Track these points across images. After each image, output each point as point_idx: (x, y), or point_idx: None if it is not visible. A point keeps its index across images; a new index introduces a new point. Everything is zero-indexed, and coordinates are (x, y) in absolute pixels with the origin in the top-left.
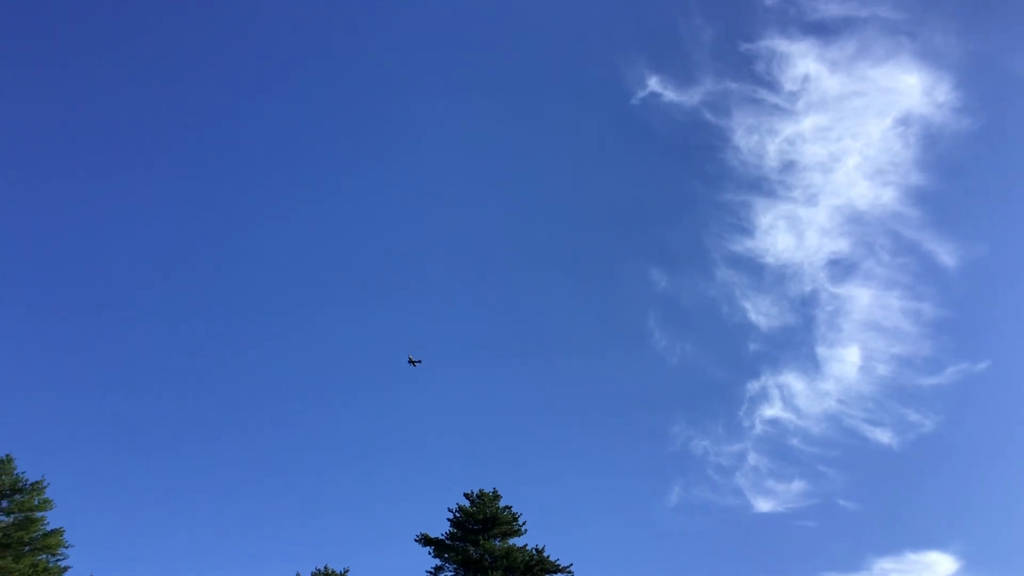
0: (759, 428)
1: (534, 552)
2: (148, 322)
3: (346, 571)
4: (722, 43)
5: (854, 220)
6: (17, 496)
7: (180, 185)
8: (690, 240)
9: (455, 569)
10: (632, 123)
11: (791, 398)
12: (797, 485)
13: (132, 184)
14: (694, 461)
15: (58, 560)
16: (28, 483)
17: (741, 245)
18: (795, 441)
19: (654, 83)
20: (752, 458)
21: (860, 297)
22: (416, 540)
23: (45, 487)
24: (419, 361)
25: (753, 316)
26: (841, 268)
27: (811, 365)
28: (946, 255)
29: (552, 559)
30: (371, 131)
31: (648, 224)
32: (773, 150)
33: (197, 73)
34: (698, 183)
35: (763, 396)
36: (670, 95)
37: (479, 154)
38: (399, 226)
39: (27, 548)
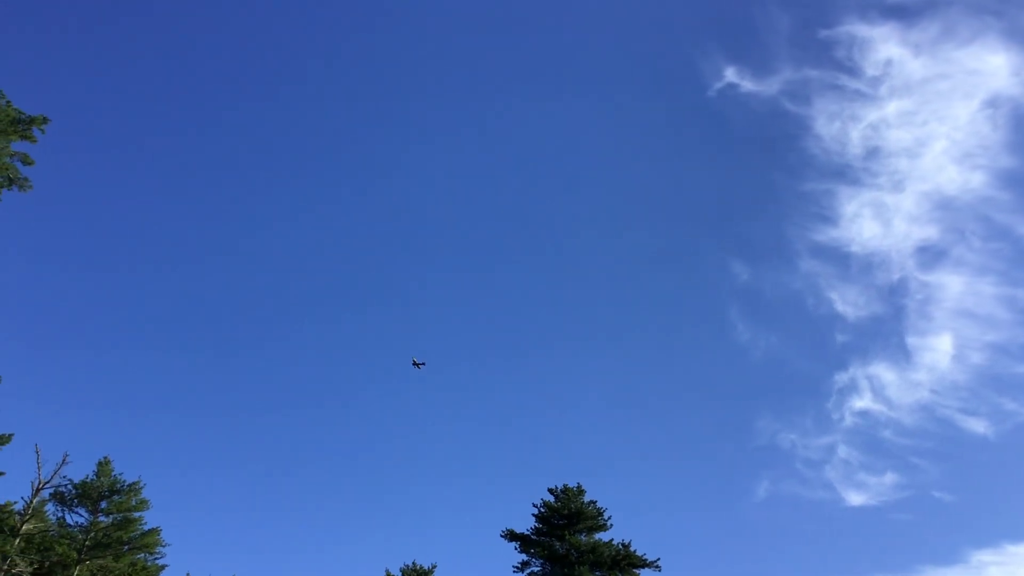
0: (849, 420)
1: (620, 546)
2: (243, 327)
3: (434, 567)
4: (800, 30)
5: (943, 206)
6: (115, 497)
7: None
8: (772, 231)
9: (542, 564)
10: (710, 115)
11: (881, 389)
12: (890, 478)
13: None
14: (782, 455)
15: (155, 559)
16: (125, 484)
17: (825, 235)
18: (887, 433)
19: (731, 74)
20: (842, 451)
21: (951, 284)
22: (502, 536)
23: (142, 488)
24: (423, 364)
25: (840, 307)
26: (930, 255)
27: (902, 355)
28: None
29: (639, 553)
30: (457, 130)
31: (728, 216)
32: (856, 137)
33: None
34: (779, 173)
35: (852, 388)
36: (748, 85)
37: (559, 152)
38: (487, 223)
39: (126, 547)
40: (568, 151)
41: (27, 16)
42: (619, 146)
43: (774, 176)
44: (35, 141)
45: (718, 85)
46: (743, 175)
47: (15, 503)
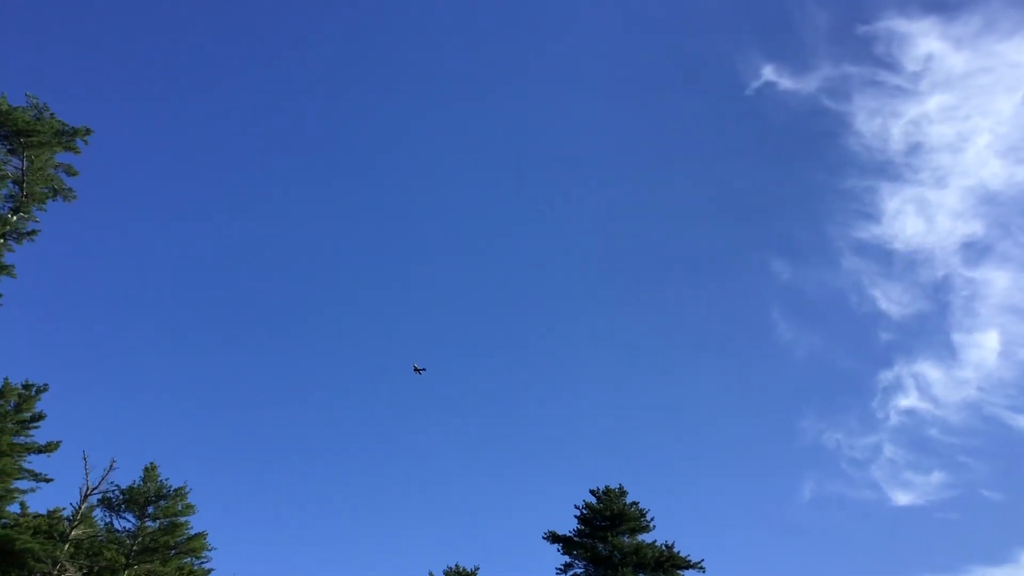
0: (894, 419)
1: (664, 548)
2: (278, 326)
3: (476, 569)
4: (838, 27)
5: (987, 201)
6: (162, 502)
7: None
8: (813, 230)
9: (584, 566)
10: (748, 114)
11: (927, 387)
12: (937, 476)
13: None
14: (827, 455)
15: (202, 563)
16: (171, 489)
17: (867, 232)
18: (933, 431)
19: (769, 72)
20: (888, 450)
21: (997, 280)
22: (544, 537)
23: (187, 492)
24: (424, 369)
25: (883, 304)
26: (975, 251)
27: (947, 353)
28: None
29: (683, 554)
30: (489, 132)
31: (768, 216)
32: (897, 133)
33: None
34: (819, 171)
35: (897, 386)
36: (786, 83)
37: (596, 152)
38: (515, 227)
39: (173, 552)
40: (605, 152)
41: (67, 26)
42: (657, 147)
43: (814, 174)
44: (79, 152)
45: (756, 84)
46: (783, 174)
47: (64, 509)
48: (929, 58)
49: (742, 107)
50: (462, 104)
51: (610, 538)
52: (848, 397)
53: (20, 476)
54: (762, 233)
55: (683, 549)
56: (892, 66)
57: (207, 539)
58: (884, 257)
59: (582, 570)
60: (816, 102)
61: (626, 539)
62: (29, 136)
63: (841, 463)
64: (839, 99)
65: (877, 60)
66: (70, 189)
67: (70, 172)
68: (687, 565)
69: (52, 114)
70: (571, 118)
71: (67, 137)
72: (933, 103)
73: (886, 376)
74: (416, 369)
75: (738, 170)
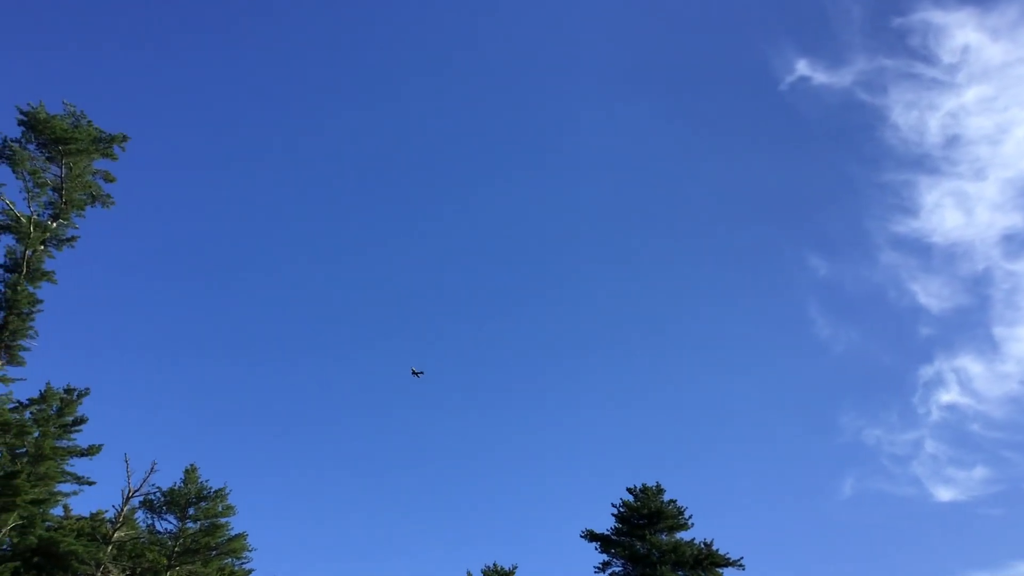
0: (936, 415)
1: (702, 546)
2: (313, 331)
3: (514, 568)
4: (873, 20)
5: None
6: (203, 503)
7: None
8: (850, 224)
9: (623, 564)
10: (782, 109)
11: (968, 382)
12: (980, 472)
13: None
14: (867, 451)
15: (242, 563)
16: (212, 490)
17: (905, 226)
18: (975, 426)
19: (803, 66)
20: (929, 446)
21: None
22: (582, 536)
23: (227, 493)
24: (421, 372)
25: (923, 299)
26: (1016, 243)
27: (989, 347)
28: None
29: (721, 553)
30: (523, 131)
31: (804, 211)
32: (935, 125)
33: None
34: (855, 165)
35: (938, 381)
36: (820, 77)
37: (631, 151)
38: (551, 225)
39: (214, 553)
40: (640, 150)
41: (101, 35)
42: (691, 144)
43: (850, 168)
44: (116, 159)
45: (790, 79)
46: (818, 168)
47: (106, 511)
48: (966, 49)
49: (776, 102)
50: (494, 104)
51: (648, 536)
52: (888, 393)
53: (63, 479)
54: (798, 229)
55: (722, 547)
56: (928, 58)
57: (247, 540)
58: (923, 251)
59: (620, 568)
60: (851, 96)
61: (664, 537)
62: (67, 144)
63: (882, 459)
64: (875, 93)
65: (913, 53)
66: (108, 195)
67: (108, 178)
68: (726, 563)
69: (89, 121)
70: (605, 115)
71: (104, 144)
72: (971, 95)
73: (926, 371)
74: (414, 372)
75: (773, 165)
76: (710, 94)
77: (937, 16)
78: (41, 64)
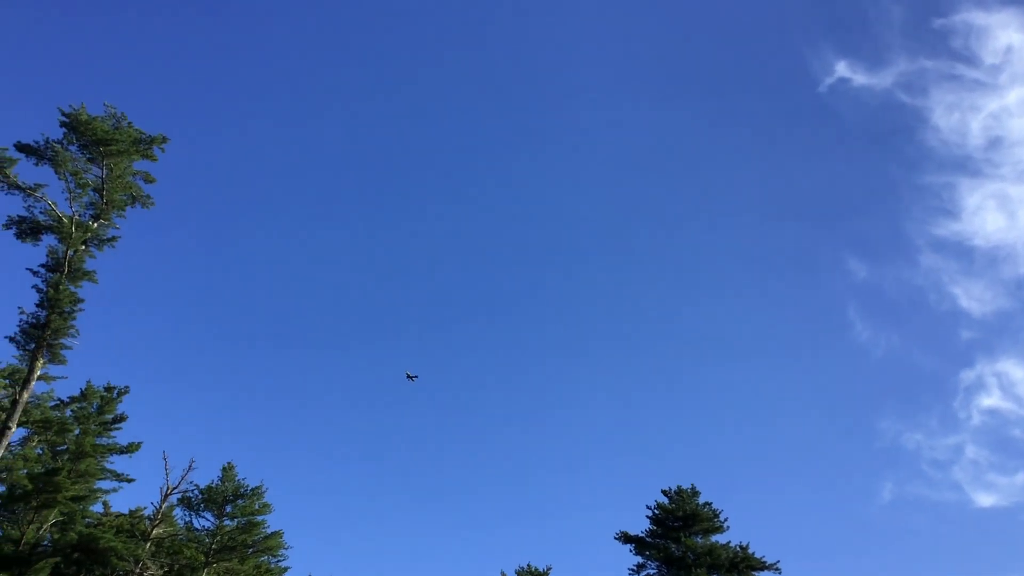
0: (977, 419)
1: (738, 549)
2: (350, 329)
3: (548, 569)
4: (913, 21)
5: None
6: (240, 501)
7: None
8: (890, 227)
9: (657, 567)
10: (821, 111)
11: (1011, 386)
12: (1022, 478)
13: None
14: (906, 456)
15: (278, 561)
16: (248, 488)
17: (947, 229)
18: (1018, 431)
19: (842, 68)
20: (970, 451)
21: None
22: (616, 538)
23: (264, 492)
24: (416, 376)
25: (964, 302)
26: None
27: None
28: None
29: (758, 556)
30: (565, 132)
31: (844, 213)
32: (976, 127)
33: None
34: (895, 167)
35: (979, 385)
36: (860, 79)
37: (671, 154)
38: (594, 224)
39: (250, 550)
40: (679, 152)
41: (139, 39)
42: (730, 146)
43: (891, 170)
44: (155, 160)
45: (829, 80)
46: (858, 170)
47: (145, 508)
48: (1008, 50)
49: (815, 104)
50: (532, 104)
51: (683, 539)
52: (928, 397)
53: (103, 476)
54: (837, 231)
55: (758, 550)
56: (970, 59)
57: (283, 538)
58: (964, 254)
59: (655, 571)
60: (891, 98)
61: (699, 540)
62: (108, 145)
63: (921, 464)
64: (915, 94)
65: (954, 54)
66: (148, 196)
67: (148, 179)
68: (762, 567)
69: (130, 123)
70: (644, 119)
71: (144, 145)
72: (1013, 96)
73: (968, 375)
74: (409, 376)
75: (812, 167)
76: (749, 96)
77: (979, 17)
78: (80, 65)
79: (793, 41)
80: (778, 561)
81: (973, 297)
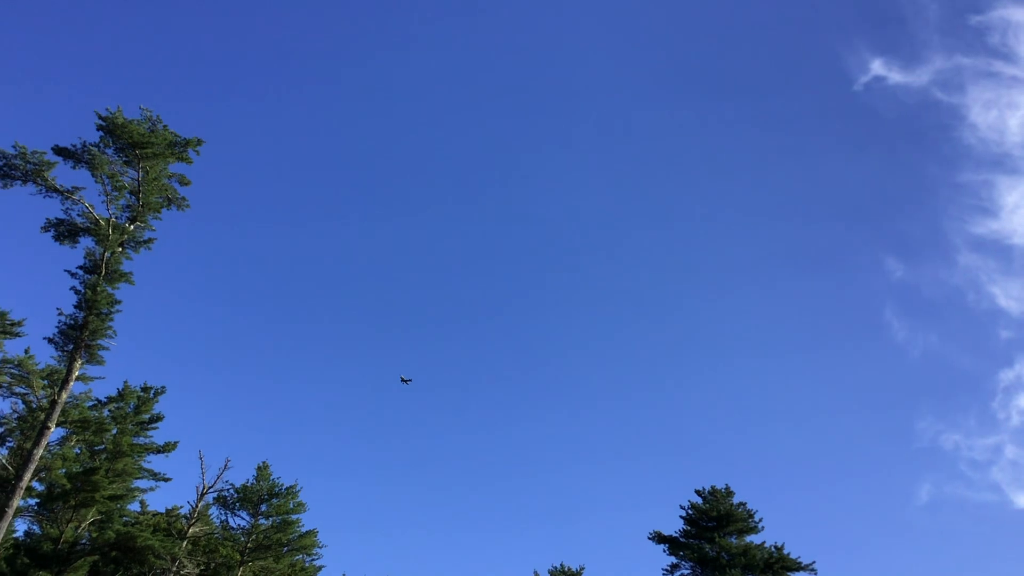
0: (1016, 419)
1: (773, 549)
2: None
3: (582, 568)
4: (950, 18)
5: None
6: (274, 500)
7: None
8: (927, 226)
9: (691, 567)
10: (857, 109)
11: None
12: None
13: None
14: (944, 457)
15: (313, 560)
16: (283, 487)
17: (985, 227)
18: None
19: (878, 66)
20: (1010, 451)
21: None
22: (649, 538)
23: (299, 491)
24: (409, 380)
25: (1003, 301)
26: None
27: None
28: None
29: (793, 556)
30: (603, 131)
31: (880, 212)
32: (1015, 124)
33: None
34: (932, 165)
35: (1019, 385)
36: (896, 77)
37: (706, 153)
38: (634, 229)
39: (285, 549)
40: (714, 152)
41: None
42: (765, 146)
43: (927, 168)
44: (191, 162)
45: (864, 79)
46: (894, 169)
47: (182, 507)
48: None
49: (851, 102)
50: (585, 114)
51: (717, 539)
52: (967, 397)
53: (140, 475)
54: (874, 230)
55: (793, 551)
56: (1008, 56)
57: (317, 536)
58: (1003, 253)
59: (689, 571)
60: (928, 95)
61: (734, 540)
62: (144, 148)
63: (960, 464)
64: (952, 91)
65: (992, 51)
66: (183, 198)
67: (183, 182)
68: (798, 567)
69: (165, 126)
70: (679, 119)
71: (180, 148)
72: None
73: (1007, 375)
74: (403, 380)
75: (848, 166)
76: (785, 95)
77: (1016, 13)
78: (116, 68)
79: (828, 40)
80: (814, 562)
81: (1012, 296)
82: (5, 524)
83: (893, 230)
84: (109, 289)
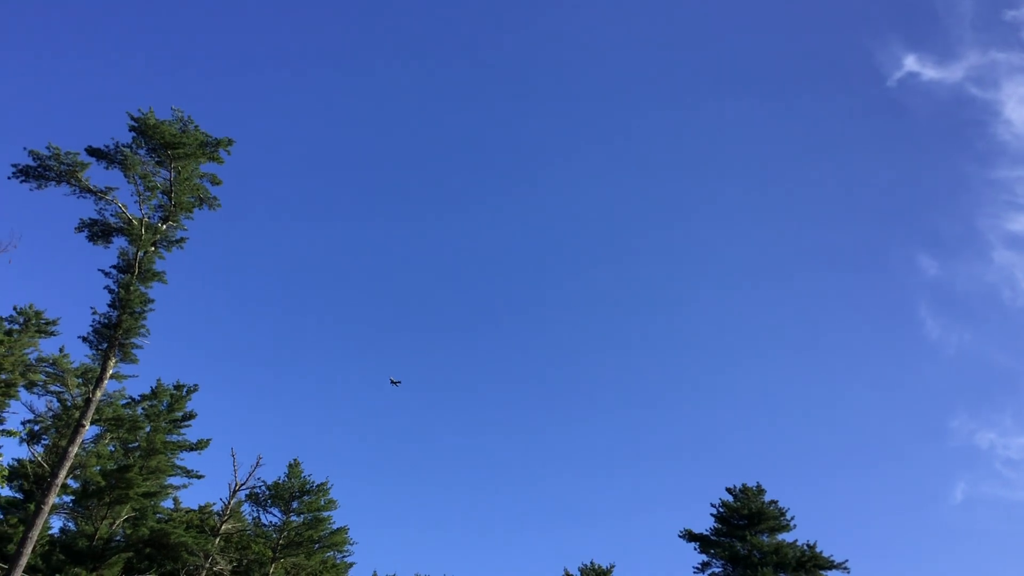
0: None
1: (805, 547)
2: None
3: (612, 567)
4: (984, 14)
5: None
6: (306, 497)
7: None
8: (961, 222)
9: (723, 565)
10: (890, 106)
11: None
12: None
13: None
14: (980, 455)
15: (344, 556)
16: (314, 484)
17: (1020, 224)
18: None
19: (911, 62)
20: None
21: None
22: (680, 536)
23: (329, 488)
24: (399, 382)
25: None
26: None
27: None
28: None
29: (825, 555)
30: (636, 129)
31: (914, 209)
32: None
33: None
34: (967, 162)
35: None
36: (930, 73)
37: (738, 151)
38: (657, 227)
39: (316, 546)
40: (747, 150)
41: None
42: (798, 142)
43: (962, 165)
44: (222, 162)
45: (898, 75)
46: (928, 165)
47: (214, 504)
48: None
49: (884, 99)
50: (614, 107)
51: (749, 537)
52: (1002, 395)
53: (173, 473)
54: (907, 227)
55: (826, 549)
56: None
57: (348, 533)
58: None
59: (720, 569)
60: (962, 91)
61: (765, 538)
62: (176, 148)
63: (995, 464)
64: (987, 87)
65: None
66: (215, 198)
67: (214, 181)
68: (830, 566)
69: (196, 126)
70: (713, 116)
71: (211, 148)
72: None
73: None
74: (392, 382)
75: (881, 163)
76: (817, 92)
77: None
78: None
79: (861, 36)
80: (846, 560)
81: None
82: (41, 521)
83: (927, 227)
84: (142, 288)
